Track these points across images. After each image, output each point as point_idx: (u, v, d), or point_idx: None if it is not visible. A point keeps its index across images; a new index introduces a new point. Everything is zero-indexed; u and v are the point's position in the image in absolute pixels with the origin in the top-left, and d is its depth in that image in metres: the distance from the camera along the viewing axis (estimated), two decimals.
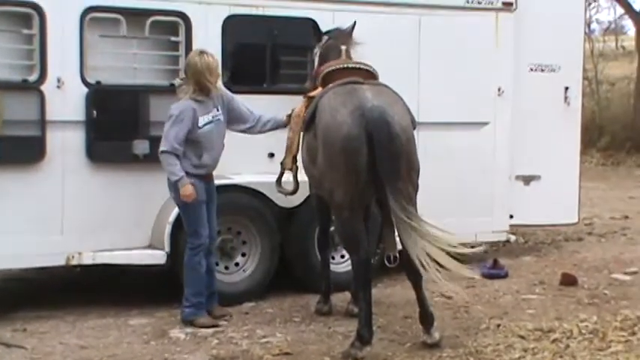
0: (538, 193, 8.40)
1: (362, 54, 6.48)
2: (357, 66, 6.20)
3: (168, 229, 6.56)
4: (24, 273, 7.55)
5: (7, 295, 7.25)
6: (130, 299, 6.90)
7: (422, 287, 5.68)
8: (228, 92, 6.52)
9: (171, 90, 6.43)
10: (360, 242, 5.57)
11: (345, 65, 6.22)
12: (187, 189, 6.07)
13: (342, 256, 7.29)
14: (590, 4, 22.93)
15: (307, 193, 6.68)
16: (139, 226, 6.74)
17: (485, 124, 8.03)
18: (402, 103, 5.83)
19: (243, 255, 7.00)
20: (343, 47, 6.45)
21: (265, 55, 7.21)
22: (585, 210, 10.53)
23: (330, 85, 5.94)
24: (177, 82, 6.34)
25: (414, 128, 5.82)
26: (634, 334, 5.82)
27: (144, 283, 7.47)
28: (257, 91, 7.13)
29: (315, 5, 7.25)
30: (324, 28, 6.96)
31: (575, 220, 8.88)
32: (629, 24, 27.94)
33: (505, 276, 7.78)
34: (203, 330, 6.10)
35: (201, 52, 6.21)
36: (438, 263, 5.25)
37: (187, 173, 6.11)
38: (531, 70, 8.35)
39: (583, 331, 5.88)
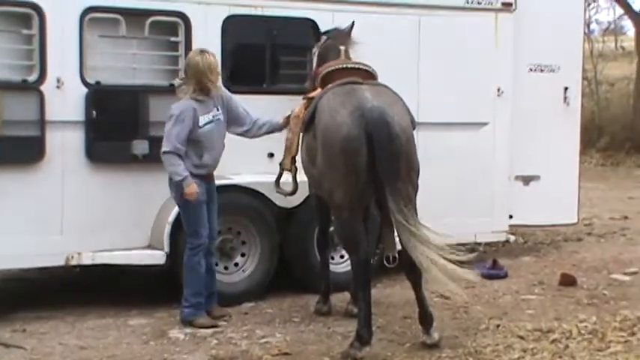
0: (537, 194, 8.39)
1: (361, 54, 6.48)
2: (356, 66, 6.20)
3: (167, 229, 6.55)
4: (24, 273, 7.55)
5: (7, 295, 7.25)
6: (129, 299, 6.90)
7: (421, 287, 5.68)
8: (226, 92, 6.51)
9: (170, 90, 6.43)
10: (359, 242, 5.57)
11: (344, 65, 6.22)
12: (192, 187, 6.06)
13: (342, 257, 7.28)
14: (589, 4, 22.86)
15: (306, 194, 6.68)
16: (139, 227, 6.73)
17: (485, 124, 8.03)
18: (402, 103, 5.82)
19: (243, 255, 7.00)
20: (342, 47, 6.45)
21: (265, 55, 7.21)
22: (585, 210, 10.52)
23: (330, 85, 5.93)
24: (176, 82, 6.33)
25: (414, 128, 5.81)
26: (633, 334, 5.81)
27: (143, 284, 7.47)
28: (256, 92, 7.13)
29: (315, 5, 7.25)
30: (323, 29, 6.98)
31: (575, 220, 8.88)
32: (628, 24, 27.89)
33: (504, 276, 7.77)
34: (202, 330, 6.10)
35: (202, 52, 6.20)
36: (437, 267, 5.25)
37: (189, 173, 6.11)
38: (531, 70, 8.35)
39: (582, 332, 5.87)
